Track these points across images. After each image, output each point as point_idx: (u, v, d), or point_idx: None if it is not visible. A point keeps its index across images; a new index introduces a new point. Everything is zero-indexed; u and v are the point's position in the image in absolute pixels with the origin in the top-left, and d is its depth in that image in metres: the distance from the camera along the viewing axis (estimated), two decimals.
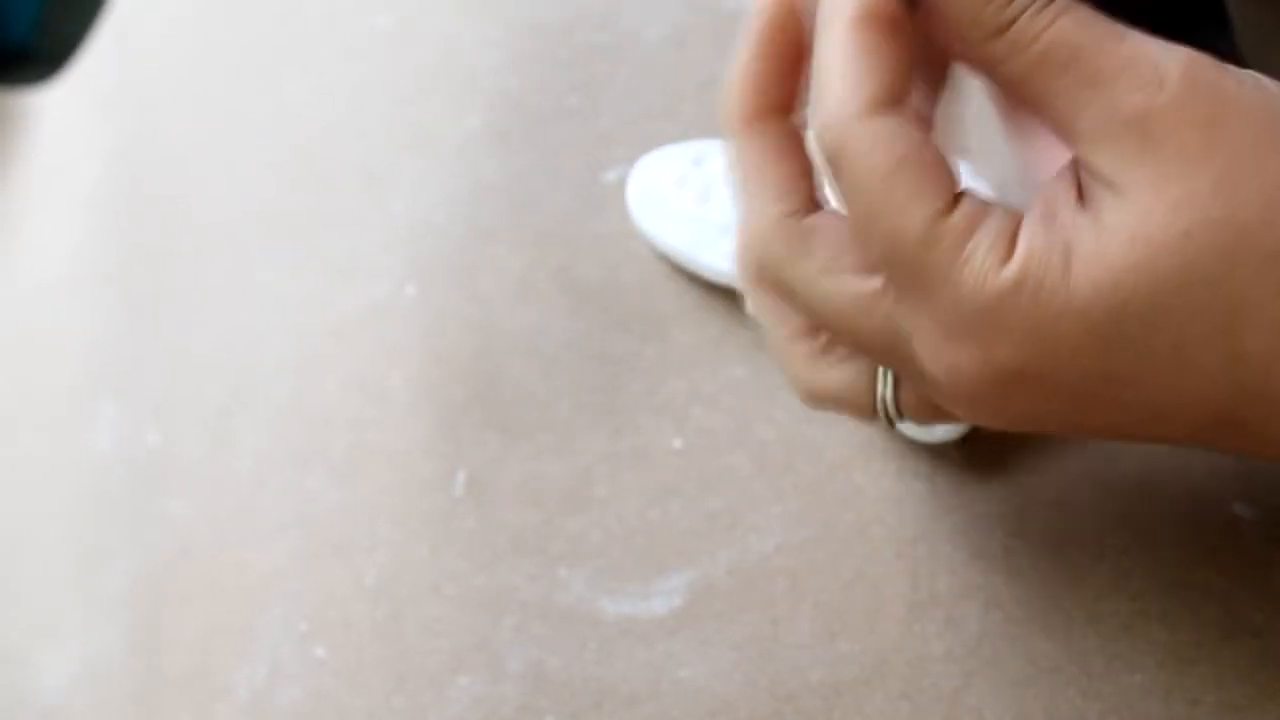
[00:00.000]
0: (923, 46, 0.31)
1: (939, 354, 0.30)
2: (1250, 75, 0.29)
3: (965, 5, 0.30)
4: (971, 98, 0.34)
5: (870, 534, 0.38)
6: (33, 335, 0.54)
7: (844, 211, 0.30)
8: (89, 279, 0.54)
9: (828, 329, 0.32)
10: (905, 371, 0.31)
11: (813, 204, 0.32)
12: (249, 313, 0.49)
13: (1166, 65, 0.28)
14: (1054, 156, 0.32)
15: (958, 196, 0.29)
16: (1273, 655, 0.31)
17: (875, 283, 0.30)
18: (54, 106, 0.59)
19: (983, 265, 0.29)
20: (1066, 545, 0.36)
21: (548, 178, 0.48)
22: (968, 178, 0.33)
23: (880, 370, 0.32)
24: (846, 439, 0.40)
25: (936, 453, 0.38)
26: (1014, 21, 0.29)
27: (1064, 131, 0.29)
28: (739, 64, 0.34)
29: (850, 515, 0.39)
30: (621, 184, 0.46)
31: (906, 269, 0.29)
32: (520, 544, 0.42)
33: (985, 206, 0.29)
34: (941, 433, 0.38)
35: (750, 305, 0.34)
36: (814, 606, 0.38)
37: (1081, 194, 0.29)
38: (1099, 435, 0.31)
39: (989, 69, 0.30)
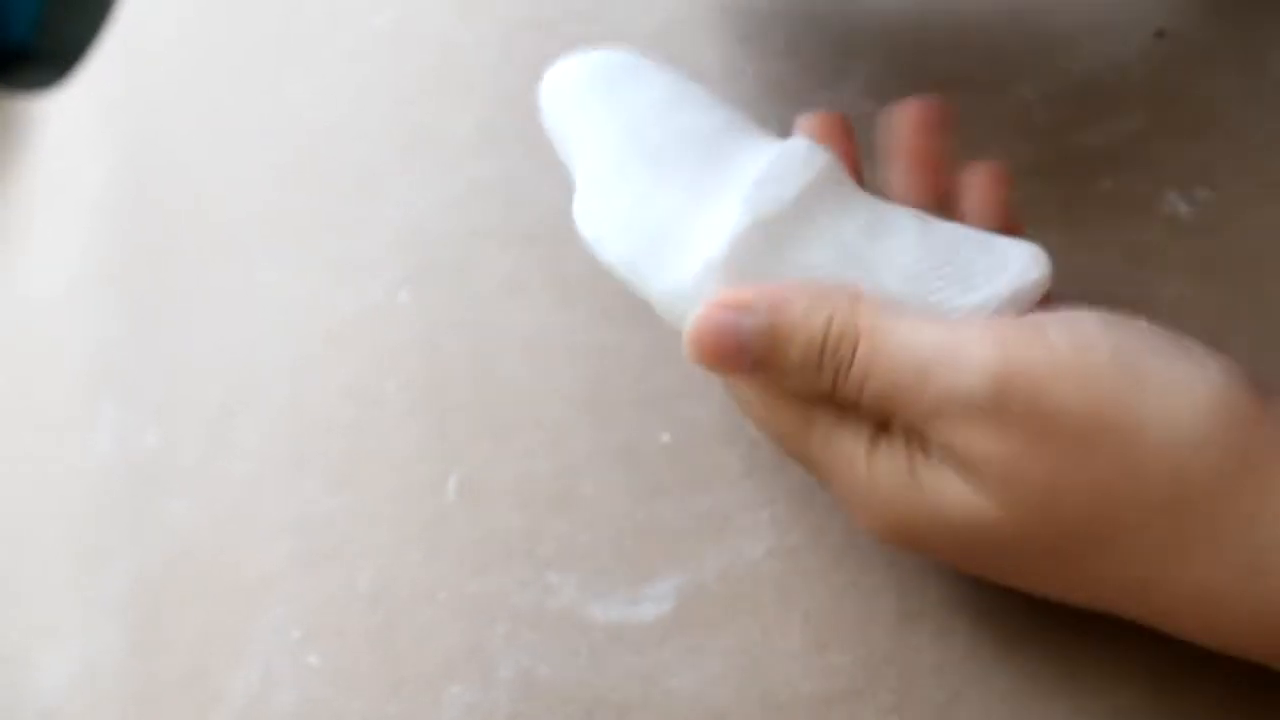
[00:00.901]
0: None
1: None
2: (1071, 326, 0.30)
3: (796, 387, 0.33)
4: None
5: (860, 542, 0.38)
6: (36, 336, 0.54)
7: None
8: (92, 280, 0.53)
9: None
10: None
11: None
12: (249, 315, 0.49)
13: (974, 388, 0.29)
14: None
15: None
16: (1260, 671, 0.30)
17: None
18: (59, 111, 0.58)
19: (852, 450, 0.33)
20: None
21: (538, 173, 0.47)
22: None
23: None
24: None
25: None
26: (834, 385, 0.32)
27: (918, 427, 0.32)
28: None
29: (840, 521, 0.38)
30: None
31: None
32: (511, 548, 0.41)
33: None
34: None
35: None
36: (804, 615, 0.37)
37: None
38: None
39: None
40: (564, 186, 0.47)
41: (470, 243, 0.47)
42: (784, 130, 0.38)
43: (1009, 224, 0.36)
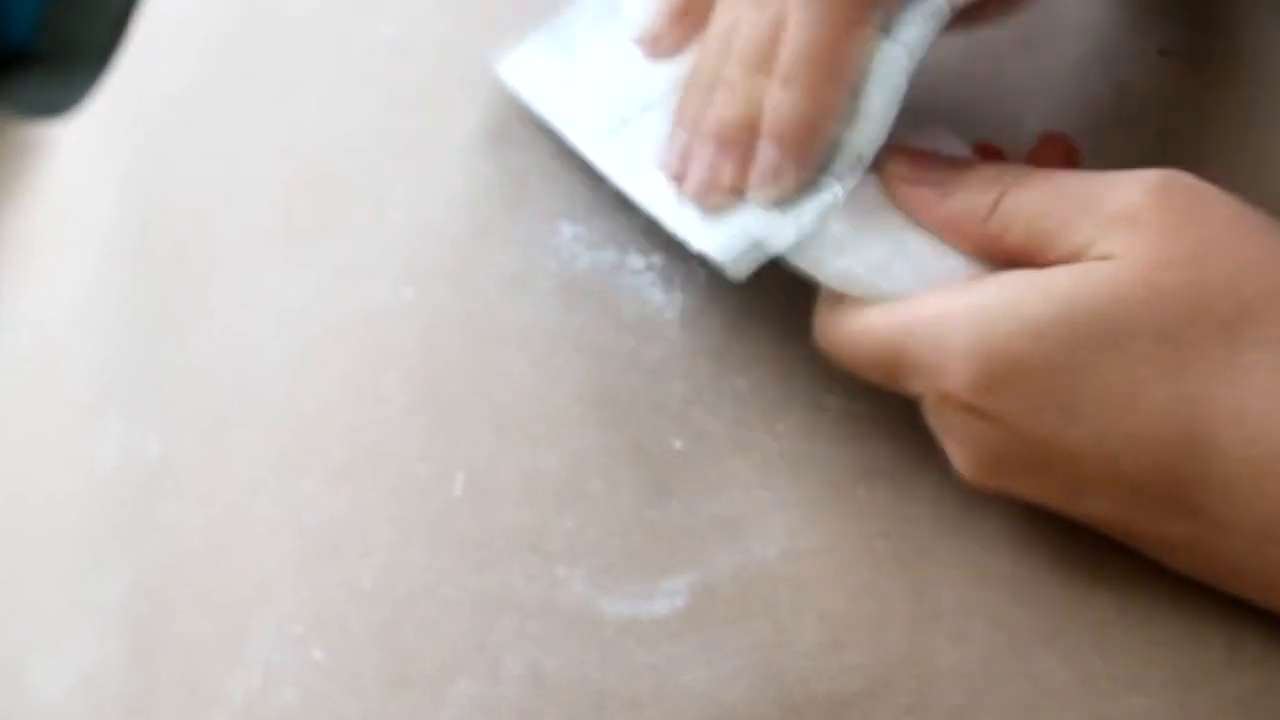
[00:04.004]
0: None
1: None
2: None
3: (957, 210, 0.34)
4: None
5: (875, 547, 0.37)
6: (45, 344, 0.51)
7: None
8: (99, 287, 0.50)
9: None
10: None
11: None
12: (254, 315, 0.46)
13: (1144, 177, 0.33)
14: None
15: None
16: (1273, 683, 0.31)
17: None
18: (65, 128, 0.56)
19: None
20: (1071, 569, 0.35)
21: (544, 178, 0.46)
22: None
23: None
24: (851, 460, 0.39)
25: (941, 475, 0.37)
26: (995, 205, 0.34)
27: (1062, 255, 0.33)
28: None
29: (855, 528, 0.38)
30: None
31: None
32: (518, 543, 0.40)
33: None
34: None
35: None
36: (819, 615, 0.37)
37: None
38: (1060, 493, 0.34)
39: (990, 246, 0.34)
40: (572, 192, 0.47)
41: (474, 242, 0.45)
42: None
43: None
